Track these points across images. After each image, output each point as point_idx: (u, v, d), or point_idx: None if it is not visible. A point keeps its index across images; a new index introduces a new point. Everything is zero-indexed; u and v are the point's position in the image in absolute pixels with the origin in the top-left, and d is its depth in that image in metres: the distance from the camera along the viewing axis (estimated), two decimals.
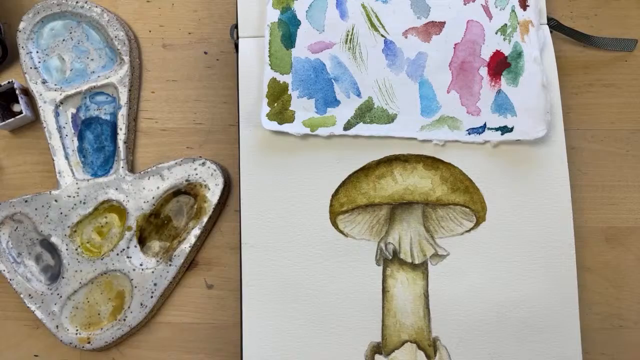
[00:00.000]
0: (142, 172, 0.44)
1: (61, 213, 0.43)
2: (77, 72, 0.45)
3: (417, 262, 0.40)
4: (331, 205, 0.41)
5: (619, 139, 0.45)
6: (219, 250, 0.44)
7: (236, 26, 0.43)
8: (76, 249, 0.43)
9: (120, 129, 0.44)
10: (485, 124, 0.41)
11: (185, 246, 0.43)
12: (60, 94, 0.44)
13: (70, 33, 0.45)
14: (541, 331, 0.40)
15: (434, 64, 0.42)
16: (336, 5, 0.42)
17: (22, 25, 0.45)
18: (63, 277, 0.43)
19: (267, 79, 0.42)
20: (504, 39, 0.42)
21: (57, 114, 0.44)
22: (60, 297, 0.42)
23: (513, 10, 0.42)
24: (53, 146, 0.44)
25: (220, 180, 0.43)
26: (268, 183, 0.41)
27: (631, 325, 0.43)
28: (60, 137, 0.44)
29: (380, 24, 0.42)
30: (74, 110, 0.45)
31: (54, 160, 0.44)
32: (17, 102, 0.45)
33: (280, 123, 0.41)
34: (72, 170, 0.44)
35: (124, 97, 0.44)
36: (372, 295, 0.40)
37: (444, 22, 0.42)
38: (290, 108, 0.41)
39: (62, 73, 0.45)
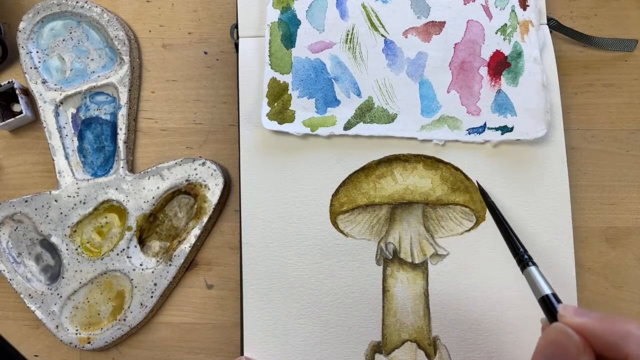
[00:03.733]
0: (142, 172, 0.44)
1: (61, 213, 0.43)
2: (77, 72, 0.45)
3: (417, 261, 0.40)
4: (331, 205, 0.41)
5: (619, 139, 0.45)
6: (219, 250, 0.44)
7: (236, 26, 0.43)
8: (76, 249, 0.43)
9: (120, 129, 0.44)
10: (485, 124, 0.41)
11: (185, 246, 0.43)
12: (60, 94, 0.44)
13: (70, 33, 0.45)
14: (541, 331, 0.39)
15: (434, 64, 0.42)
16: (336, 5, 0.42)
17: (22, 25, 0.45)
18: (63, 277, 0.43)
19: (267, 79, 0.42)
20: (504, 39, 0.42)
21: (57, 114, 0.44)
22: (60, 297, 0.42)
23: (513, 10, 0.42)
24: (53, 146, 0.44)
25: (220, 180, 0.43)
26: (268, 183, 0.41)
27: None
28: (60, 137, 0.44)
29: (381, 23, 0.42)
30: (74, 110, 0.45)
31: (54, 160, 0.44)
32: (17, 102, 0.45)
33: (280, 123, 0.41)
34: (72, 170, 0.44)
35: (124, 97, 0.44)
36: (372, 294, 0.40)
37: (444, 22, 0.42)
38: (291, 108, 0.41)
39: (62, 73, 0.45)
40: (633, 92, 0.45)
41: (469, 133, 0.41)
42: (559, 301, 0.29)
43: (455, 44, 0.42)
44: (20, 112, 0.45)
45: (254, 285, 0.40)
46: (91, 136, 0.45)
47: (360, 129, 0.41)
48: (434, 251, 0.41)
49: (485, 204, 0.40)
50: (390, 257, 0.41)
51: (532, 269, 0.32)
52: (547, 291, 0.30)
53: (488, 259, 0.40)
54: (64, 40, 0.45)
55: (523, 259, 0.33)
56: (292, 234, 0.41)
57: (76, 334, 0.42)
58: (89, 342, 0.42)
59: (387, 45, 0.42)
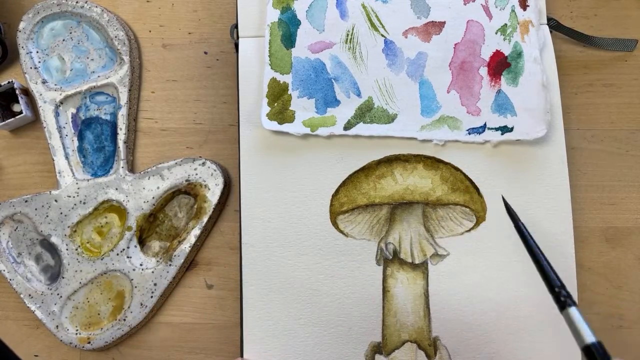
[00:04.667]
0: (142, 172, 0.44)
1: (61, 213, 0.43)
2: (77, 72, 0.45)
3: (417, 262, 0.40)
4: (331, 205, 0.41)
5: (618, 139, 0.45)
6: (219, 250, 0.44)
7: (236, 26, 0.43)
8: (76, 249, 0.43)
9: (120, 129, 0.44)
10: (485, 124, 0.41)
11: (185, 246, 0.43)
12: (60, 94, 0.44)
13: (70, 33, 0.45)
14: (541, 331, 0.40)
15: (434, 64, 0.42)
16: (336, 5, 0.42)
17: (22, 25, 0.45)
18: (63, 277, 0.43)
19: (267, 79, 0.42)
20: (504, 39, 0.42)
21: (57, 114, 0.44)
22: (60, 297, 0.42)
23: (513, 10, 0.42)
24: (53, 146, 0.44)
25: (220, 180, 0.43)
26: (268, 183, 0.41)
27: (631, 325, 0.43)
28: (60, 137, 0.44)
29: (381, 23, 0.42)
30: (74, 110, 0.45)
31: (54, 160, 0.44)
32: (17, 102, 0.45)
33: (280, 123, 0.41)
34: (72, 170, 0.44)
35: (124, 97, 0.44)
36: (372, 295, 0.40)
37: (444, 22, 0.42)
38: (291, 108, 0.41)
39: (62, 73, 0.45)
40: (633, 92, 0.45)
41: (469, 133, 0.41)
42: (604, 350, 0.27)
43: (455, 44, 0.42)
44: (20, 112, 0.44)
45: (254, 285, 0.40)
46: (91, 136, 0.45)
47: (360, 129, 0.41)
48: (434, 251, 0.41)
49: (516, 230, 0.35)
50: (390, 257, 0.41)
51: (573, 310, 0.28)
52: (592, 339, 0.27)
53: (488, 259, 0.40)
54: (64, 40, 0.45)
55: (561, 298, 0.29)
56: (292, 234, 0.41)
57: (76, 334, 0.42)
58: (89, 342, 0.42)
59: (387, 45, 0.42)
